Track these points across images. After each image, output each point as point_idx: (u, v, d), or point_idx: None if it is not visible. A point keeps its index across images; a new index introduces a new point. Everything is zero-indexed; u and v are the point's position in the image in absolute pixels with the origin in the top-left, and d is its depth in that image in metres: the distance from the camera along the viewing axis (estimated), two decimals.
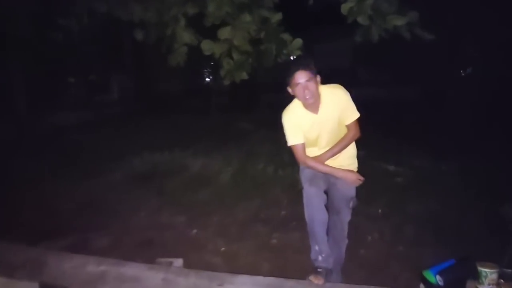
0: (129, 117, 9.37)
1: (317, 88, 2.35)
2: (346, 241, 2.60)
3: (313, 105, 2.38)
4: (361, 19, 3.50)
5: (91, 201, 4.54)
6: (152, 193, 4.77)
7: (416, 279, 2.71)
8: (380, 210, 3.79)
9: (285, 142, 2.51)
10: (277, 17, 3.94)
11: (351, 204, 2.53)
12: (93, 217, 4.10)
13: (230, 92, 10.18)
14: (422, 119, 7.43)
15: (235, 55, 4.39)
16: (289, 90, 2.43)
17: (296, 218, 3.92)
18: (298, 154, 2.47)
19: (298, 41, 4.46)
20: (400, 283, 2.71)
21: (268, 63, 4.54)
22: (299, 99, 2.40)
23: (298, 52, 4.43)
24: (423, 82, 9.71)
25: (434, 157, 5.40)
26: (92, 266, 2.43)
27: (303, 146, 2.46)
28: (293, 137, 2.45)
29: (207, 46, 4.28)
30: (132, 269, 2.38)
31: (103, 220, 4.02)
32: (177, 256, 3.14)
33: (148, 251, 3.32)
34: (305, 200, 2.36)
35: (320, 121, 2.42)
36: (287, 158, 5.57)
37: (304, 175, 2.46)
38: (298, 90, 2.34)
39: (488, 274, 2.07)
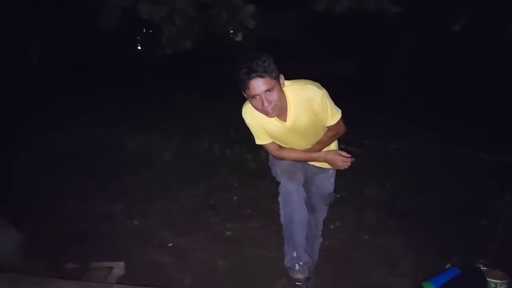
0: (52, 87, 8.26)
1: (281, 95, 1.82)
2: (321, 240, 2.33)
3: (278, 115, 1.88)
4: None
5: (6, 185, 3.79)
6: (83, 176, 4.13)
7: (390, 275, 2.55)
8: (338, 195, 3.58)
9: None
10: None
11: (328, 201, 2.24)
12: (9, 205, 3.38)
13: (166, 62, 9.43)
14: (364, 95, 7.36)
15: (178, 21, 3.94)
16: (244, 94, 1.86)
17: (250, 205, 3.60)
18: (271, 152, 2.07)
19: (251, 8, 4.10)
20: (374, 279, 2.51)
21: (217, 31, 4.13)
22: (257, 111, 1.86)
23: (252, 21, 4.08)
24: (365, 56, 9.67)
25: (381, 136, 5.33)
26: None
27: (274, 143, 2.04)
28: (259, 139, 2.03)
29: (144, 9, 3.79)
30: None
31: (23, 209, 3.35)
32: (116, 255, 2.71)
33: (80, 250, 2.81)
34: (282, 198, 1.93)
35: (291, 128, 1.94)
36: (234, 135, 5.19)
37: (281, 167, 2.03)
38: (255, 103, 1.81)
39: (498, 285, 1.89)
